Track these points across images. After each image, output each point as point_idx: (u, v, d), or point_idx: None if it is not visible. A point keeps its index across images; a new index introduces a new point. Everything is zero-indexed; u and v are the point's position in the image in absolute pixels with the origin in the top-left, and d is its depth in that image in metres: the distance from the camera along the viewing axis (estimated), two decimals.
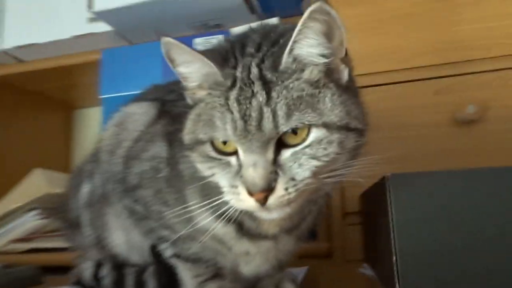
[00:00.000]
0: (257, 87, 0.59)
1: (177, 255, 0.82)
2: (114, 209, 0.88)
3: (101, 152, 0.87)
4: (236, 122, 0.58)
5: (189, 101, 0.67)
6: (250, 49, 0.64)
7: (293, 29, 0.59)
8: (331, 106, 0.59)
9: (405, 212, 0.69)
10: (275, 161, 0.58)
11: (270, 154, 0.58)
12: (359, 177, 0.61)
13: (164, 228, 0.79)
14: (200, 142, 0.63)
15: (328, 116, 0.59)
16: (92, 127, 2.15)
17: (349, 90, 0.62)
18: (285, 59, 0.60)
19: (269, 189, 0.57)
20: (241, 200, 0.59)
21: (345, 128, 0.59)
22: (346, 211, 1.28)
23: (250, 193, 0.58)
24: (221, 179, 0.62)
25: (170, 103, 0.82)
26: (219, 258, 0.79)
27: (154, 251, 0.87)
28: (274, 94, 0.58)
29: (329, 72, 0.61)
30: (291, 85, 0.59)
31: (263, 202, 0.58)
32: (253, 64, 0.61)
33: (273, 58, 0.61)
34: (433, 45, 1.29)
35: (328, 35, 0.60)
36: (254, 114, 0.58)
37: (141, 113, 0.84)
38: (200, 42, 1.48)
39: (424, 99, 1.29)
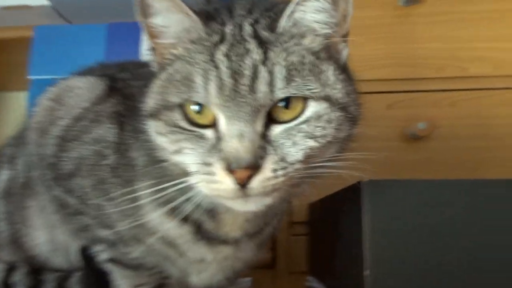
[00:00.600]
0: (252, 44, 0.52)
1: (114, 260, 0.69)
2: (38, 201, 0.74)
3: (29, 131, 0.73)
4: (223, 80, 0.50)
5: (154, 66, 0.57)
6: (240, 11, 0.56)
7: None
8: (334, 80, 0.53)
9: (381, 221, 0.64)
10: (264, 136, 0.50)
11: (259, 126, 0.50)
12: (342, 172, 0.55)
13: (103, 227, 0.66)
14: (167, 107, 0.53)
15: (331, 89, 0.52)
16: (18, 113, 1.91)
17: (347, 73, 0.57)
18: (284, 21, 0.53)
19: (255, 167, 0.48)
20: (216, 181, 0.49)
21: (344, 109, 0.53)
22: (292, 221, 1.22)
23: (230, 171, 0.49)
24: (190, 155, 0.52)
25: (122, 81, 0.70)
26: (167, 265, 0.68)
27: (85, 254, 0.73)
28: (271, 54, 0.51)
29: (328, 48, 0.55)
30: (290, 49, 0.52)
31: (245, 182, 0.48)
32: (246, 23, 0.54)
33: (270, 20, 0.54)
34: (389, 59, 1.30)
35: (334, 2, 0.54)
36: (247, 73, 0.50)
37: (85, 88, 0.71)
38: None
39: (376, 112, 1.29)
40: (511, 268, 0.63)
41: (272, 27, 0.53)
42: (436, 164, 1.22)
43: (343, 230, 0.77)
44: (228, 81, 0.50)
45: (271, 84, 0.50)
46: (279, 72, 0.50)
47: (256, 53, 0.51)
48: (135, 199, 0.60)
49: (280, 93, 0.50)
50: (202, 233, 0.63)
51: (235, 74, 0.50)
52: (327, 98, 0.52)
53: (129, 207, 0.60)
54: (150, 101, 0.56)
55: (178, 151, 0.53)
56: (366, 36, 1.29)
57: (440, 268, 0.63)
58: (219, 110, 0.51)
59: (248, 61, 0.50)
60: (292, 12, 0.53)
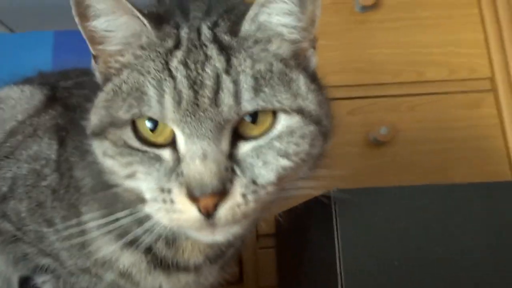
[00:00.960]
0: (212, 50, 0.47)
1: None
2: None
3: None
4: (180, 91, 0.45)
5: (98, 77, 0.51)
6: (196, 13, 0.52)
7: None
8: (305, 90, 0.48)
9: (353, 230, 0.60)
10: (231, 156, 0.45)
11: (224, 144, 0.45)
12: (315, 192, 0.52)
13: (44, 255, 0.59)
14: (115, 124, 0.47)
15: (303, 99, 0.48)
16: None
17: (317, 82, 0.52)
18: (247, 25, 0.49)
19: (222, 192, 0.43)
20: (176, 210, 0.43)
21: (318, 123, 0.48)
22: (258, 234, 1.17)
23: (193, 198, 0.42)
24: (145, 180, 0.46)
25: (64, 90, 0.63)
26: None
27: (26, 286, 0.65)
28: (235, 61, 0.46)
29: (297, 55, 0.51)
30: (256, 55, 0.48)
31: (211, 211, 0.43)
32: (204, 26, 0.49)
33: (231, 23, 0.50)
34: (347, 65, 1.29)
35: (302, 6, 0.50)
36: (208, 83, 0.45)
37: (20, 98, 0.64)
38: None
39: (337, 118, 1.27)
40: (484, 270, 0.62)
41: (233, 31, 0.49)
42: (400, 168, 1.22)
43: (313, 241, 0.74)
44: (186, 92, 0.44)
45: (236, 95, 0.45)
46: (245, 82, 0.45)
47: (217, 60, 0.46)
48: (81, 229, 0.53)
49: (248, 106, 0.45)
50: (158, 261, 0.56)
51: (194, 85, 0.45)
52: (299, 111, 0.47)
53: (74, 237, 0.53)
54: (94, 118, 0.49)
55: (130, 176, 0.47)
56: (324, 42, 1.27)
57: (414, 275, 0.61)
58: (177, 126, 0.45)
59: (209, 70, 0.45)
60: (256, 15, 0.49)
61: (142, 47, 0.48)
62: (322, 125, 0.49)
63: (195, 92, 0.44)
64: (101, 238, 0.53)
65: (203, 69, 0.45)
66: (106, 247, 0.53)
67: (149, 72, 0.46)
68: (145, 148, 0.46)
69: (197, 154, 0.43)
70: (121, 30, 0.49)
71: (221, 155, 0.44)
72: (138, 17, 0.48)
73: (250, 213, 0.45)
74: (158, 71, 0.46)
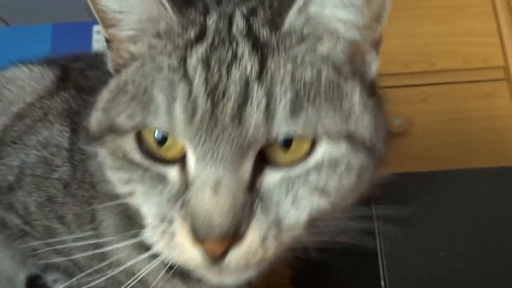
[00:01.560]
0: (244, 47, 0.37)
1: None
2: None
3: None
4: (196, 100, 0.35)
5: (110, 66, 0.43)
6: None
7: None
8: (360, 109, 0.38)
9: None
10: (252, 187, 0.36)
11: (246, 172, 0.36)
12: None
13: (56, 253, 0.53)
14: (115, 131, 0.39)
15: (356, 123, 0.37)
16: None
17: (375, 94, 0.42)
18: (293, 16, 0.39)
19: (234, 236, 0.34)
20: (176, 247, 0.36)
21: (371, 150, 0.39)
22: None
23: (197, 239, 0.34)
24: (146, 203, 0.38)
25: (76, 71, 0.58)
26: None
27: (34, 285, 0.60)
28: (272, 65, 0.36)
29: (353, 59, 0.41)
30: (300, 58, 0.37)
31: (218, 257, 0.35)
32: (238, 14, 0.40)
33: (272, 12, 0.39)
34: None
35: None
36: (233, 92, 0.35)
37: (28, 78, 0.58)
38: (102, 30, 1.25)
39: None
40: None
41: (275, 23, 0.39)
42: (413, 160, 1.18)
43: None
44: (202, 102, 0.35)
45: (268, 112, 0.35)
46: (283, 95, 0.35)
47: (248, 62, 0.36)
48: (93, 221, 0.48)
49: (282, 129, 0.35)
50: (177, 270, 0.49)
51: (214, 93, 0.35)
52: (349, 137, 0.37)
53: (88, 239, 0.48)
54: (93, 120, 0.41)
55: (130, 194, 0.39)
56: None
57: (461, 266, 0.56)
58: (189, 143, 0.36)
59: (236, 74, 0.35)
60: (306, 4, 0.38)
61: (158, 35, 0.40)
62: (375, 152, 0.39)
63: (214, 103, 0.35)
64: (117, 243, 0.46)
65: (228, 73, 0.35)
66: (118, 244, 0.47)
67: (161, 70, 0.37)
68: (148, 163, 0.38)
69: (208, 183, 0.34)
70: (135, 12, 0.40)
71: (239, 187, 0.35)
72: None
73: (269, 259, 0.36)
74: (172, 69, 0.37)
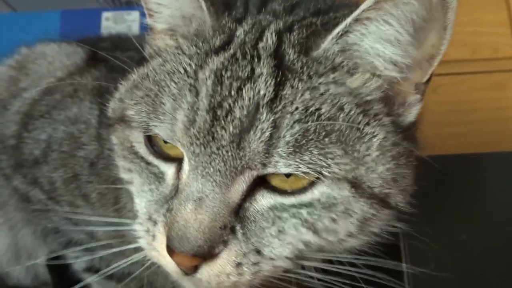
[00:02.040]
0: (264, 66, 0.34)
1: (93, 269, 0.55)
2: None
3: None
4: (197, 112, 0.34)
5: (146, 52, 0.42)
6: (276, 6, 0.39)
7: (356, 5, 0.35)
8: (376, 158, 0.35)
9: None
10: (239, 209, 0.34)
11: (236, 194, 0.34)
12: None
13: (78, 230, 0.53)
14: (125, 122, 0.39)
15: (366, 170, 0.34)
16: None
17: (408, 139, 0.37)
18: (328, 42, 0.35)
19: (207, 256, 0.33)
20: (155, 249, 0.35)
21: (381, 201, 0.35)
22: None
23: (169, 249, 0.34)
24: (139, 196, 0.38)
25: (105, 51, 0.57)
26: (157, 279, 0.54)
27: (54, 263, 0.59)
28: (287, 91, 0.33)
29: (390, 99, 0.37)
30: (323, 89, 0.34)
31: (189, 272, 0.34)
32: (272, 28, 0.36)
33: (309, 32, 0.36)
34: None
35: (419, 34, 0.34)
36: (238, 113, 0.33)
37: (58, 53, 0.57)
38: (112, 17, 1.25)
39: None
40: None
41: (307, 46, 0.35)
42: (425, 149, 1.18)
43: None
44: (201, 116, 0.33)
45: (269, 145, 0.32)
46: (290, 129, 0.32)
47: (263, 84, 0.33)
48: (117, 202, 0.47)
49: (280, 164, 0.33)
50: None
51: (218, 108, 0.33)
52: (354, 182, 0.34)
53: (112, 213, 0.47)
54: (111, 106, 0.41)
55: (128, 182, 0.39)
56: None
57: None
58: (185, 152, 0.35)
59: (246, 95, 0.33)
60: (345, 33, 0.34)
61: (187, 36, 0.38)
62: (388, 203, 0.35)
63: (216, 120, 0.33)
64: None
65: (238, 92, 0.33)
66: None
67: (177, 72, 0.35)
68: (150, 158, 0.37)
69: (193, 196, 0.33)
70: (171, 7, 0.38)
71: (223, 207, 0.33)
72: None
73: (247, 283, 0.35)
74: (187, 75, 0.35)
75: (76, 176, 0.51)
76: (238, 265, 0.33)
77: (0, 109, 0.57)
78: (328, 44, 0.35)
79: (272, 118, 0.32)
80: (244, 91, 0.33)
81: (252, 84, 0.33)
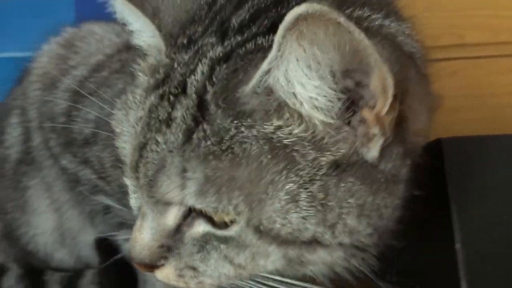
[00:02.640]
0: (181, 108, 0.33)
1: None
2: (42, 177, 0.59)
3: (30, 87, 0.57)
4: (131, 149, 0.36)
5: None
6: (234, 21, 0.35)
7: None
8: (286, 205, 0.32)
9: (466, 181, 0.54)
10: (178, 230, 0.36)
11: (171, 220, 0.36)
12: None
13: (130, 211, 0.52)
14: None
15: (273, 217, 0.32)
16: None
17: (369, 178, 0.33)
18: (251, 83, 0.31)
19: (152, 266, 0.37)
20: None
21: (300, 245, 0.34)
22: None
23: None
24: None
25: None
26: None
27: (104, 244, 0.58)
28: (199, 133, 0.32)
29: (326, 138, 0.32)
30: (234, 132, 0.32)
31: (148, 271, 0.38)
32: (208, 56, 0.34)
33: (246, 63, 0.33)
34: None
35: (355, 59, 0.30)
36: (151, 156, 0.34)
37: (107, 32, 0.57)
38: None
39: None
40: None
41: (230, 85, 0.32)
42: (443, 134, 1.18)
43: None
44: (134, 154, 0.35)
45: (180, 185, 0.33)
46: (196, 172, 0.32)
47: (176, 128, 0.33)
48: None
49: (192, 202, 0.33)
50: None
51: (142, 149, 0.34)
52: (258, 228, 0.33)
53: None
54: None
55: None
56: None
57: None
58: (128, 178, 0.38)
59: (162, 137, 0.33)
60: (267, 74, 0.31)
61: (143, 65, 0.39)
62: (313, 246, 0.34)
63: (140, 156, 0.35)
64: None
65: (157, 133, 0.33)
66: None
67: (131, 105, 0.37)
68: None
69: (139, 219, 0.37)
70: (143, 30, 0.38)
71: (159, 230, 0.36)
72: (149, 25, 0.36)
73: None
74: (134, 110, 0.36)
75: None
76: (180, 276, 0.37)
77: (50, 87, 0.56)
78: (251, 84, 0.31)
79: (180, 162, 0.32)
80: (160, 133, 0.33)
81: (166, 127, 0.33)
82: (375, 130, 0.32)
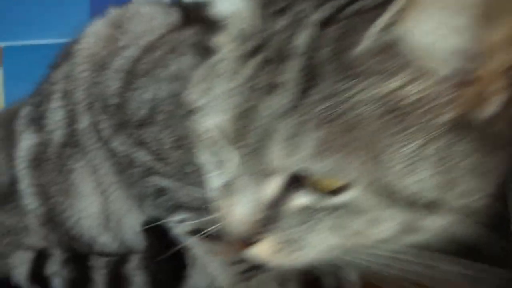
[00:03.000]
0: (290, 71, 0.32)
1: (199, 231, 0.54)
2: (87, 160, 0.58)
3: (76, 69, 0.56)
4: (226, 120, 0.34)
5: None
6: None
7: None
8: (411, 164, 0.30)
9: None
10: (276, 204, 0.34)
11: (270, 191, 0.34)
12: None
13: (189, 190, 0.52)
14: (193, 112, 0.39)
15: (401, 178, 0.31)
16: None
17: (485, 138, 0.32)
18: (371, 38, 0.30)
19: (247, 243, 0.35)
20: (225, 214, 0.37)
21: (425, 207, 0.32)
22: None
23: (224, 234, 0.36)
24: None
25: (195, 10, 0.56)
26: None
27: (152, 229, 0.57)
28: (314, 95, 0.30)
29: (445, 95, 0.30)
30: (353, 92, 0.30)
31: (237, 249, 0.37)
32: (312, 21, 0.32)
33: (352, 23, 0.31)
34: None
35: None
36: (258, 121, 0.32)
37: (155, 12, 0.56)
38: None
39: None
40: None
41: (346, 43, 0.31)
42: None
43: None
44: (231, 123, 0.34)
45: (291, 150, 0.31)
46: (313, 133, 0.30)
47: (286, 91, 0.31)
48: None
49: (304, 167, 0.31)
50: None
51: (247, 116, 0.33)
52: (384, 190, 0.31)
53: None
54: (188, 93, 0.40)
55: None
56: None
57: None
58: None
59: (269, 102, 0.32)
60: (393, 23, 0.29)
61: (231, 35, 0.36)
62: (438, 208, 0.32)
63: (244, 126, 0.33)
64: None
65: (263, 99, 0.32)
66: None
67: (220, 75, 0.35)
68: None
69: (234, 190, 0.35)
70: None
71: (257, 202, 0.34)
72: None
73: (300, 264, 0.36)
74: (228, 79, 0.34)
75: (182, 139, 0.49)
76: (279, 250, 0.35)
77: (100, 68, 0.55)
78: (368, 40, 0.30)
79: (292, 125, 0.31)
80: (268, 99, 0.32)
81: (272, 93, 0.32)
82: (495, 86, 0.30)
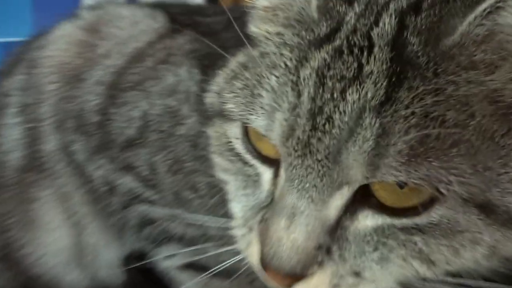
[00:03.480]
0: (376, 62, 0.27)
1: (198, 267, 0.46)
2: (56, 187, 0.49)
3: (41, 80, 0.47)
4: (296, 118, 0.29)
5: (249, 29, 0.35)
6: None
7: None
8: None
9: None
10: (336, 227, 0.29)
11: (333, 210, 0.29)
12: None
13: (184, 224, 0.45)
14: (223, 116, 0.34)
15: (504, 193, 0.27)
16: None
17: None
18: (468, 25, 0.26)
19: (299, 276, 0.30)
20: (250, 255, 0.32)
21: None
22: None
23: (264, 263, 0.30)
24: (234, 199, 0.34)
25: (181, 16, 0.49)
26: None
27: (134, 263, 0.50)
28: (404, 92, 0.26)
29: None
30: (451, 90, 0.26)
31: (283, 287, 0.30)
32: (392, 8, 0.29)
33: (442, 12, 0.28)
34: None
35: None
36: (338, 120, 0.27)
37: (142, 16, 0.48)
38: None
39: None
40: None
41: (437, 32, 0.27)
42: None
43: None
44: (302, 124, 0.28)
45: (375, 155, 0.26)
46: (402, 136, 0.26)
47: (373, 84, 0.27)
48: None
49: (389, 176, 0.27)
50: None
51: (318, 115, 0.28)
52: (485, 207, 0.27)
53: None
54: (208, 100, 0.35)
55: (225, 183, 0.35)
56: None
57: None
58: (282, 158, 0.30)
59: (351, 97, 0.27)
60: (497, 7, 0.26)
61: (286, 22, 0.32)
62: None
63: (313, 128, 0.28)
64: None
65: (342, 94, 0.27)
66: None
67: (278, 67, 0.30)
68: (247, 158, 0.33)
69: (287, 211, 0.29)
70: None
71: (318, 226, 0.29)
72: None
73: None
74: (288, 71, 0.29)
75: (178, 162, 0.43)
76: (335, 286, 0.30)
77: (72, 80, 0.46)
78: (467, 27, 0.26)
79: (378, 124, 0.26)
80: (347, 93, 0.27)
81: (358, 85, 0.27)
82: None
